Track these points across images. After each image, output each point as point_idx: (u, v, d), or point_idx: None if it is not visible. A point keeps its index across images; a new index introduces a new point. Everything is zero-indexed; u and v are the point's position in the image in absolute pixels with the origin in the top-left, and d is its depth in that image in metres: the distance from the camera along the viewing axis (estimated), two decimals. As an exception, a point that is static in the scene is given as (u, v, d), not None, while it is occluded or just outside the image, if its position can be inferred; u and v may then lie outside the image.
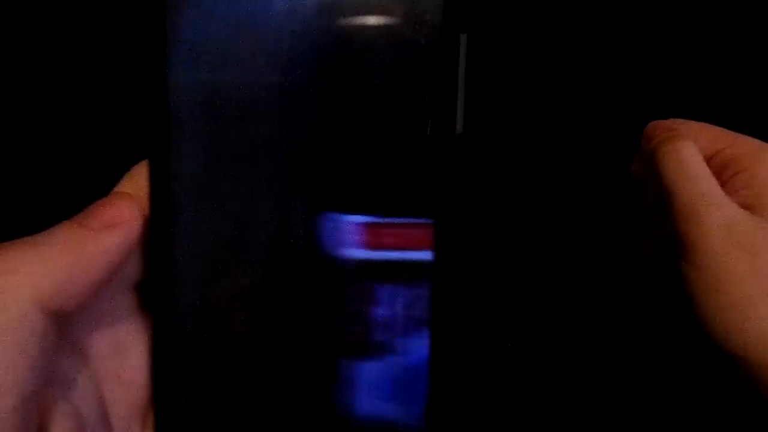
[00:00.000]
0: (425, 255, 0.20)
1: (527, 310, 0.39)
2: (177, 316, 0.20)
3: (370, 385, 0.21)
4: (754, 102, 0.39)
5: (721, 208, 0.27)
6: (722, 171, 0.29)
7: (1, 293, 0.15)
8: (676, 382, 0.37)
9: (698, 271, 0.27)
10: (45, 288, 0.16)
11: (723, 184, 0.28)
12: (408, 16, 0.19)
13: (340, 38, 0.19)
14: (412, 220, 0.20)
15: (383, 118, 0.19)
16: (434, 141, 0.19)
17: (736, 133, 0.30)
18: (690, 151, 0.28)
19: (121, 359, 0.19)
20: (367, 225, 0.20)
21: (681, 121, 0.31)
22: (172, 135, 0.19)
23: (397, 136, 0.19)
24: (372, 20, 0.19)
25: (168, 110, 0.18)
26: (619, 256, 0.37)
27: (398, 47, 0.19)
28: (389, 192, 0.20)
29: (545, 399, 0.39)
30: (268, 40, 0.18)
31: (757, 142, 0.29)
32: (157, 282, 0.19)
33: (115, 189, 0.19)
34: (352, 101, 0.19)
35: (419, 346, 0.21)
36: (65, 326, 0.17)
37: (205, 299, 0.20)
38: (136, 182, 0.19)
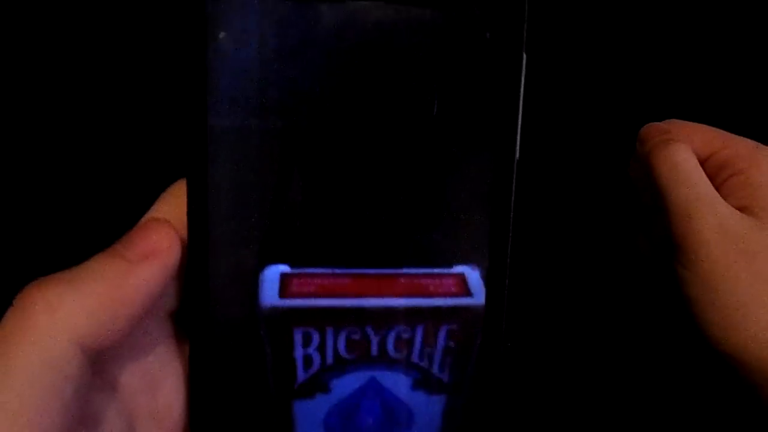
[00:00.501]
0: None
1: (527, 310, 0.39)
2: (215, 344, 0.19)
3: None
4: (753, 102, 0.39)
5: (716, 211, 0.27)
6: (717, 173, 0.29)
7: (41, 333, 0.15)
8: (675, 382, 0.37)
9: (694, 274, 0.27)
10: (85, 327, 0.15)
11: (718, 187, 0.28)
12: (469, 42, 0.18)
13: (389, 77, 0.18)
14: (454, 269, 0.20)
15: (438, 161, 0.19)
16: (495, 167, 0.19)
17: (731, 134, 0.30)
18: (684, 155, 0.28)
19: (154, 394, 0.18)
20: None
21: (676, 122, 0.31)
22: (210, 158, 0.17)
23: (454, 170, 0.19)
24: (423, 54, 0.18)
25: (207, 134, 0.17)
26: (618, 256, 0.37)
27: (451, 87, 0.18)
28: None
29: (545, 399, 0.39)
30: (315, 71, 0.18)
31: (752, 143, 0.29)
32: (195, 310, 0.18)
33: (151, 212, 0.18)
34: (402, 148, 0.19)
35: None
36: (99, 362, 0.16)
37: (243, 325, 0.19)
38: (172, 204, 0.18)
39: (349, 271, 0.20)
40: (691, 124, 0.31)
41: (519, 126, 0.19)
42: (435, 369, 0.21)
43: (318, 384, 0.21)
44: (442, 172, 0.19)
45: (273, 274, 0.19)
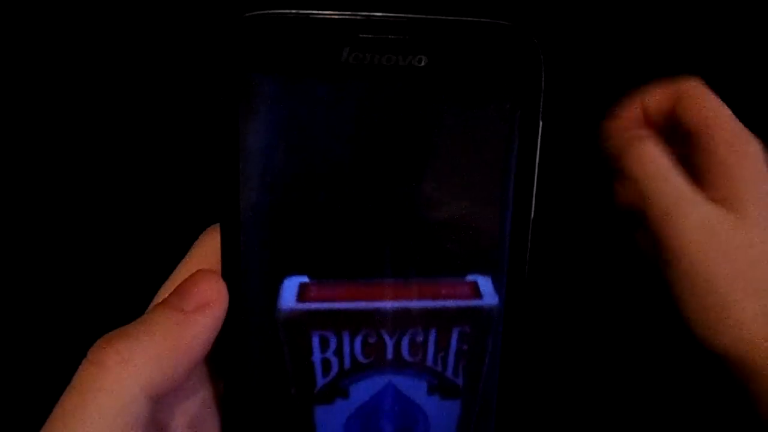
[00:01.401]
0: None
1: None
2: (250, 384, 0.21)
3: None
4: (752, 102, 0.40)
5: (697, 209, 0.26)
6: (698, 161, 0.28)
7: (114, 382, 0.16)
8: (674, 382, 0.36)
9: (678, 273, 0.26)
10: (151, 376, 0.17)
11: (698, 179, 0.28)
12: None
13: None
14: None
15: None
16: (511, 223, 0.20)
17: (678, 85, 0.29)
18: (656, 153, 0.27)
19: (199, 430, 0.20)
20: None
21: (624, 103, 0.30)
22: (242, 207, 0.19)
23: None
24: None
25: (238, 185, 0.19)
26: (617, 255, 0.37)
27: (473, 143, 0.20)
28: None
29: (545, 398, 0.39)
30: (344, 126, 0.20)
31: (729, 127, 0.28)
32: (233, 353, 0.20)
33: (190, 259, 0.20)
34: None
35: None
36: (156, 407, 0.18)
37: (275, 367, 0.21)
38: (207, 249, 0.20)
39: (365, 280, 0.21)
40: (635, 96, 0.30)
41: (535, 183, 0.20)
42: (449, 373, 0.22)
43: (337, 389, 0.22)
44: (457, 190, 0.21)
45: (293, 283, 0.20)
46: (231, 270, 0.19)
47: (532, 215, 0.20)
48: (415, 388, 0.22)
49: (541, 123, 0.19)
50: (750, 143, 0.28)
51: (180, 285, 0.19)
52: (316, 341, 0.21)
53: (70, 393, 0.17)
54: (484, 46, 0.19)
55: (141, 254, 0.38)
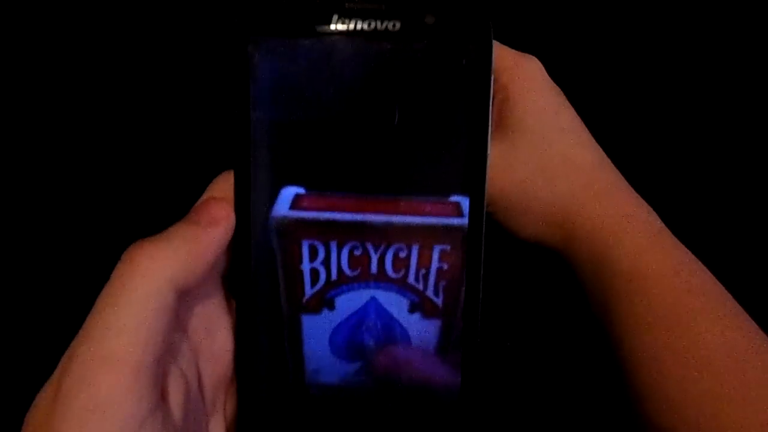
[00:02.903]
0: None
1: (527, 310, 0.40)
2: (257, 301, 0.23)
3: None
4: (753, 102, 0.41)
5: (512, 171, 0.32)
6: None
7: (146, 273, 0.19)
8: None
9: (504, 213, 0.32)
10: (176, 270, 0.20)
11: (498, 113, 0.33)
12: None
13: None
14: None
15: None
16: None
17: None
18: None
19: (212, 337, 0.23)
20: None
21: None
22: (252, 153, 0.22)
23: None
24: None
25: (250, 132, 0.22)
26: None
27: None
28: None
29: (544, 398, 0.39)
30: (330, 85, 0.23)
31: (505, 54, 0.33)
32: (241, 272, 0.23)
33: (206, 194, 0.23)
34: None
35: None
36: (179, 303, 0.20)
37: (275, 312, 0.23)
38: (221, 189, 0.23)
39: (356, 194, 0.23)
40: None
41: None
42: (430, 292, 0.23)
43: (324, 300, 0.23)
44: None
45: (288, 193, 0.22)
46: (242, 204, 0.22)
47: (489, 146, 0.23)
48: (397, 305, 0.23)
49: (492, 75, 0.23)
50: (525, 61, 0.33)
51: (194, 206, 0.22)
52: (305, 249, 0.23)
53: (108, 286, 0.19)
54: (444, 14, 0.22)
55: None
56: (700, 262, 0.30)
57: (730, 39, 0.42)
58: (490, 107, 0.23)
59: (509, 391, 0.39)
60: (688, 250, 0.31)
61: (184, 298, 0.20)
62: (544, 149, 0.32)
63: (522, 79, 0.33)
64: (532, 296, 0.41)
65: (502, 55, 0.33)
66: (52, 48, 0.43)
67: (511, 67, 0.33)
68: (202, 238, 0.21)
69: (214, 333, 0.23)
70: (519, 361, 0.40)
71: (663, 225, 0.32)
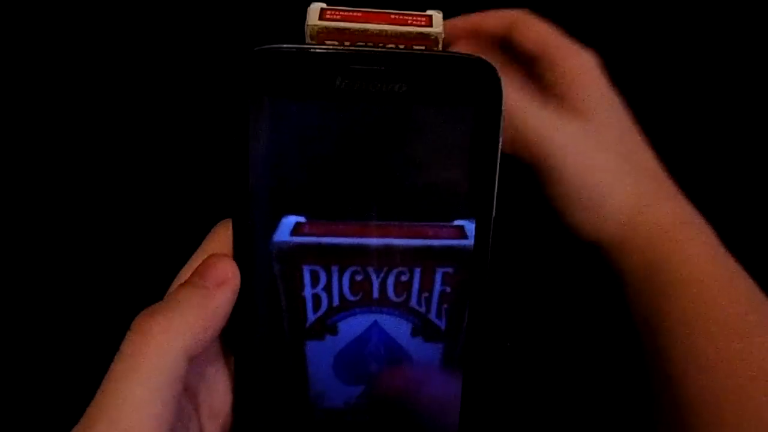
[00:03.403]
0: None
1: (527, 310, 0.40)
2: (256, 356, 0.23)
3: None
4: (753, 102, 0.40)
5: (559, 131, 0.31)
6: (542, 82, 0.32)
7: (160, 346, 0.19)
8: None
9: (559, 190, 0.32)
10: (187, 339, 0.20)
11: (545, 96, 0.32)
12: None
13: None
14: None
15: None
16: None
17: (507, 16, 0.33)
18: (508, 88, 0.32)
19: (212, 396, 0.23)
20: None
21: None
22: (251, 205, 0.22)
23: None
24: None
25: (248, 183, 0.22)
26: None
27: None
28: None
29: (544, 398, 0.39)
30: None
31: (564, 44, 0.32)
32: (241, 328, 0.23)
33: (204, 246, 0.23)
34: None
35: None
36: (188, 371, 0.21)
37: (279, 339, 0.23)
38: (221, 240, 0.22)
39: (355, 221, 0.22)
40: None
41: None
42: (432, 315, 0.23)
43: (326, 325, 0.23)
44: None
45: (289, 221, 0.22)
46: (242, 257, 0.22)
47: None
48: (399, 330, 0.23)
49: (501, 127, 0.22)
50: (583, 54, 0.32)
51: (199, 267, 0.22)
52: (306, 275, 0.22)
53: (121, 358, 0.19)
54: (452, 74, 0.22)
55: (154, 251, 0.40)
56: (747, 272, 0.31)
57: (730, 39, 0.42)
58: (498, 152, 0.22)
59: (509, 392, 0.39)
60: (737, 259, 0.31)
61: (192, 362, 0.21)
62: (623, 138, 0.32)
63: (590, 67, 0.32)
64: (532, 296, 0.41)
65: (559, 44, 0.32)
66: (53, 82, 0.42)
67: (574, 55, 0.32)
68: (211, 303, 0.21)
69: (213, 389, 0.23)
70: (518, 361, 0.40)
71: (715, 233, 0.31)
